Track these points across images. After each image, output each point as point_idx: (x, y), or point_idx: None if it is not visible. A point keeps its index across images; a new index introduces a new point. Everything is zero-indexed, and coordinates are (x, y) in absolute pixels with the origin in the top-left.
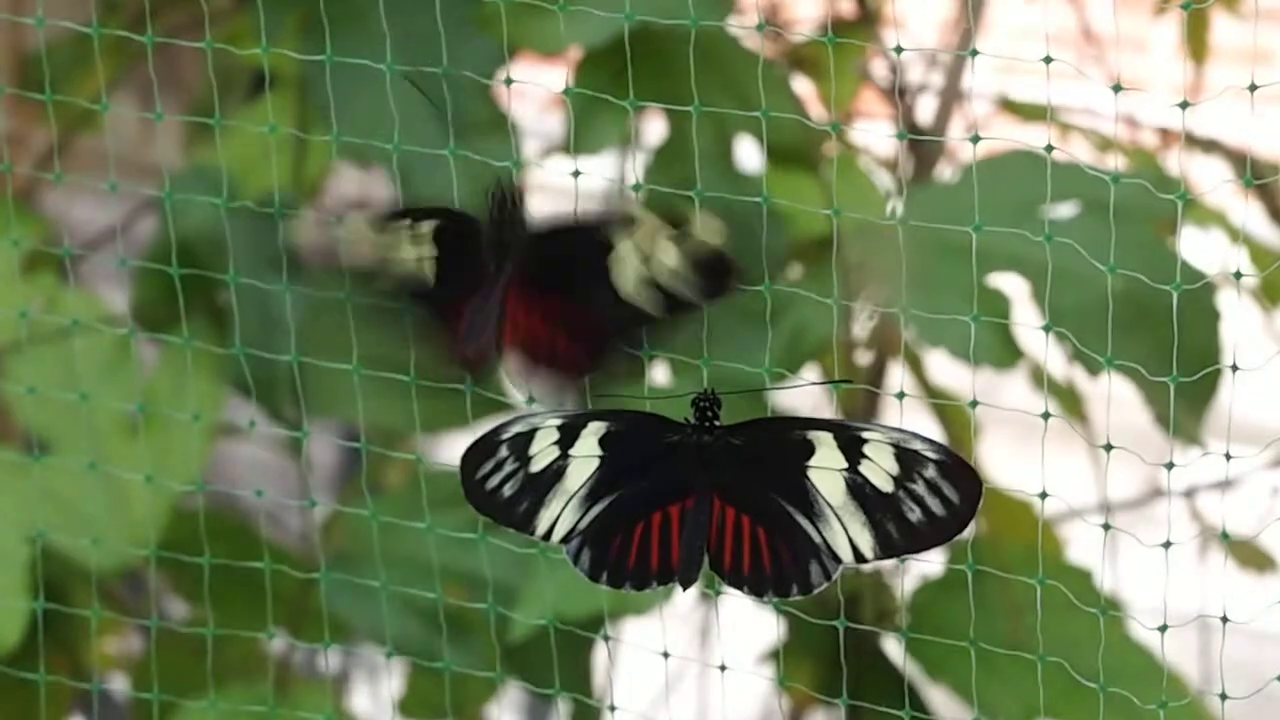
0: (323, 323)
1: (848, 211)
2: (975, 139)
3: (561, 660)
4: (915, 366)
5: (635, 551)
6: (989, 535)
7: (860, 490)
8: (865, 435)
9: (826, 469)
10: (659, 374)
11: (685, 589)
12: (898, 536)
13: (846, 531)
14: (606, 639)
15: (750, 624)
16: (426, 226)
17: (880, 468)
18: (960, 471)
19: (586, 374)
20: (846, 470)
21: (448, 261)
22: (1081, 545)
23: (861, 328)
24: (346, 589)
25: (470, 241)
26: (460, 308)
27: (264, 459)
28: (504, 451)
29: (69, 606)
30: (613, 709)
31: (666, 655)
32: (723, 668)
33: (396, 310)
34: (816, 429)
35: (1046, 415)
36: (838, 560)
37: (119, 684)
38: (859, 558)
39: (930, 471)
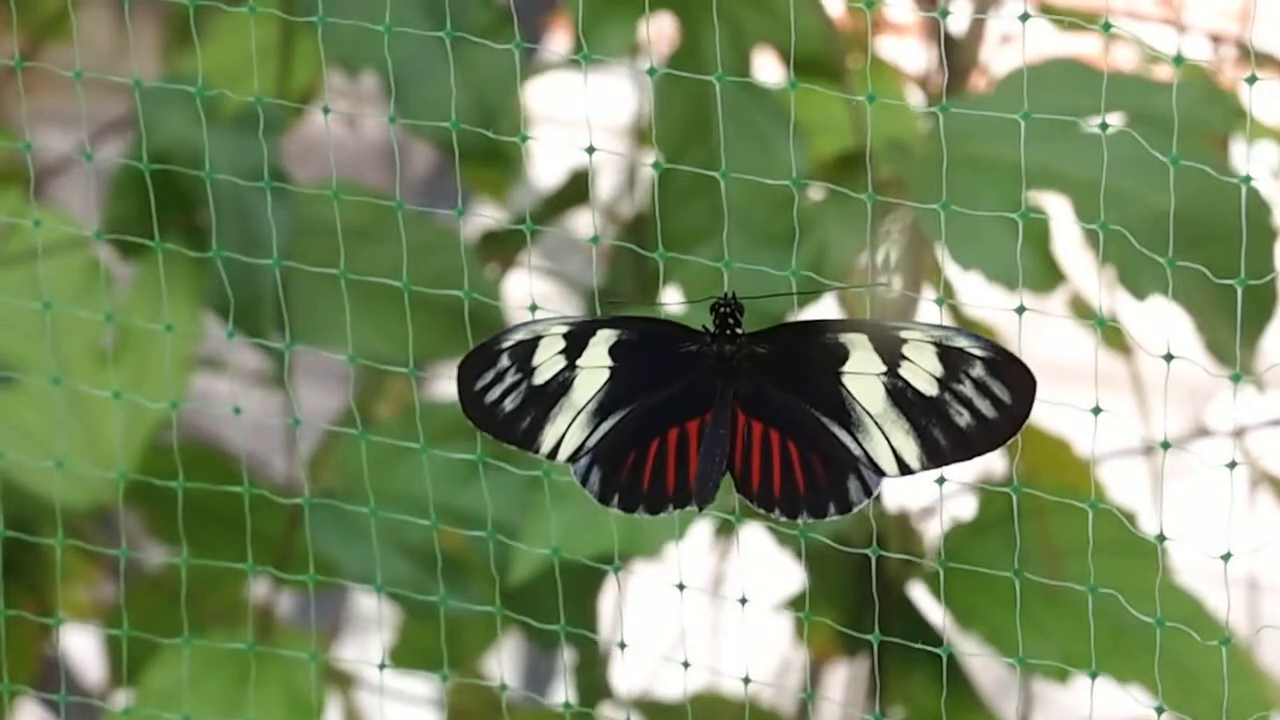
0: (309, 243)
1: (876, 126)
2: (1024, 17)
3: (566, 605)
4: (948, 294)
5: (650, 471)
6: (1025, 475)
7: (901, 395)
8: (904, 335)
9: (863, 374)
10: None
11: (700, 508)
12: (945, 443)
13: (889, 441)
14: (617, 570)
15: (766, 575)
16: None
17: (922, 369)
18: (1010, 368)
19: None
20: (885, 374)
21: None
22: (1124, 492)
23: (889, 251)
24: (334, 527)
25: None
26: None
27: (245, 414)
28: (505, 361)
29: (35, 550)
30: (622, 646)
31: (682, 587)
32: (743, 600)
33: None
34: (850, 331)
35: (1100, 322)
36: (880, 473)
37: (91, 634)
38: (904, 469)
39: (977, 370)
